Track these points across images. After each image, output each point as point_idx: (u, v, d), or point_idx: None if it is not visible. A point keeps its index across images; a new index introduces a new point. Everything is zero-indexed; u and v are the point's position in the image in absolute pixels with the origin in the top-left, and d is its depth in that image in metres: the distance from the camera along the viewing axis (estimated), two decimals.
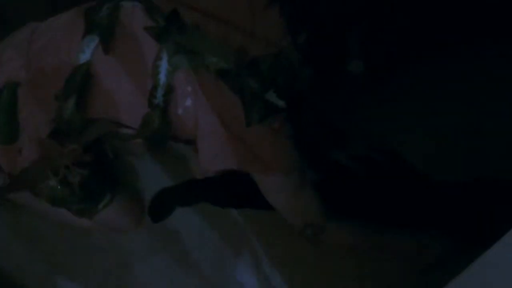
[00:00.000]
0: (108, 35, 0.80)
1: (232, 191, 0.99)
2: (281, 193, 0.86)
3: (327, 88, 0.95)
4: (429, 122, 1.00)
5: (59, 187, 0.86)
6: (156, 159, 1.07)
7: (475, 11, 0.93)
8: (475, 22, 0.95)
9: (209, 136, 0.80)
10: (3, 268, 1.05)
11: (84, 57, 0.81)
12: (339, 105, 0.99)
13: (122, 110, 0.81)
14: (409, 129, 1.00)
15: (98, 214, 0.93)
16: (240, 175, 0.84)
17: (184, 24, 0.78)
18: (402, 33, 0.84)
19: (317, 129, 1.01)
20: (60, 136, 0.83)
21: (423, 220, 0.94)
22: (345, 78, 0.86)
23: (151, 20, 0.80)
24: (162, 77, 0.78)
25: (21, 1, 1.07)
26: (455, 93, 1.00)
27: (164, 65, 0.78)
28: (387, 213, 0.95)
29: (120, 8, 0.82)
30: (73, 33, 0.83)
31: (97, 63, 0.81)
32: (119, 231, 1.03)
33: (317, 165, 0.96)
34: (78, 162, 0.86)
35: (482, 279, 0.59)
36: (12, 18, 1.06)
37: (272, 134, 0.79)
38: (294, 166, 0.83)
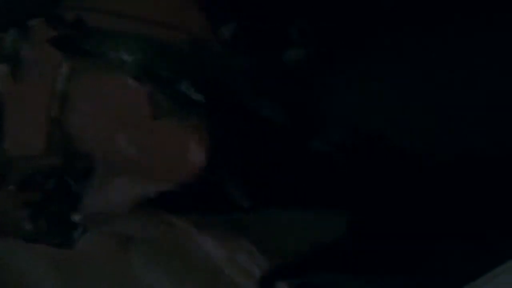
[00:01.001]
0: (14, 62, 0.76)
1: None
2: None
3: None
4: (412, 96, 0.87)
5: (26, 229, 0.80)
6: None
7: None
8: None
9: (104, 144, 0.73)
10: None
11: None
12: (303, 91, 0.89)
13: (35, 139, 0.76)
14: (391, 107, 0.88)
15: (79, 244, 0.86)
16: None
17: (90, 29, 0.74)
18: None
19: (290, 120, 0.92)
20: None
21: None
22: (284, 67, 0.77)
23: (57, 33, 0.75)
24: (60, 85, 0.74)
25: None
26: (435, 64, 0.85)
27: (63, 73, 0.74)
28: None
29: (25, 29, 0.78)
30: None
31: (8, 94, 0.76)
32: (105, 255, 1.00)
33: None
34: (24, 202, 0.80)
35: None
36: None
37: (187, 132, 0.72)
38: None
